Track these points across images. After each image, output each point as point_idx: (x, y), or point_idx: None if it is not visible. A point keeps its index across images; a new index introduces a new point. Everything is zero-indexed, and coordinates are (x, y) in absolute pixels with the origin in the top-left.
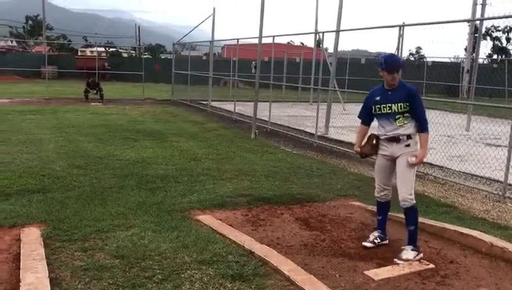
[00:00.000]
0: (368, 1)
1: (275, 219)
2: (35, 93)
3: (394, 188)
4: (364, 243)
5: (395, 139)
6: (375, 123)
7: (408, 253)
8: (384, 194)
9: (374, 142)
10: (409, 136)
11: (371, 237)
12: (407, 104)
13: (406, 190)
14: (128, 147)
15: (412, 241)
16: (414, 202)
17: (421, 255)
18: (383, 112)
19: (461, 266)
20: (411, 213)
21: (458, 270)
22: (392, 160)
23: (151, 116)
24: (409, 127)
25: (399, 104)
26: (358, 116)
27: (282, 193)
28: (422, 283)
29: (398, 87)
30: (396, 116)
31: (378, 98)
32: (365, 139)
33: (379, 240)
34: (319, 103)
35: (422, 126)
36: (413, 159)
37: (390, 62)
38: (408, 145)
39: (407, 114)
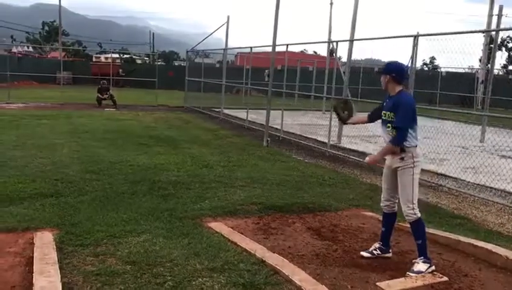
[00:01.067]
0: (382, 11)
1: (287, 227)
2: (50, 98)
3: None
4: (362, 253)
5: None
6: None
7: (420, 265)
8: (387, 205)
9: (344, 105)
10: (402, 150)
11: (371, 248)
12: (393, 114)
13: (406, 204)
14: (141, 153)
15: (423, 254)
16: (417, 215)
17: (433, 267)
18: (382, 118)
19: (475, 280)
20: (416, 227)
21: (472, 284)
22: (393, 171)
23: (164, 123)
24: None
25: (388, 113)
26: None
27: (294, 201)
28: None
29: (394, 96)
30: (387, 125)
31: (384, 103)
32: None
33: (379, 252)
34: (332, 112)
35: (395, 137)
36: (366, 158)
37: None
38: (402, 159)
39: None
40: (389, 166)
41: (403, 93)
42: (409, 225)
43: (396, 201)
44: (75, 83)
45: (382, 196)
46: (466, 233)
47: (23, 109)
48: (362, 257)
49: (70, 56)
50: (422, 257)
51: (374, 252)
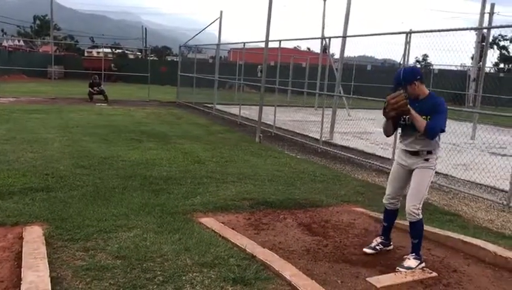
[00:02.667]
0: (375, 8)
1: (278, 223)
2: (41, 92)
3: (405, 197)
4: (366, 250)
5: (414, 153)
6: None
7: (410, 261)
8: (392, 202)
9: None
10: (429, 152)
11: (373, 243)
12: (430, 117)
13: (414, 203)
14: (132, 148)
15: (415, 250)
16: (420, 217)
17: (423, 264)
18: (407, 122)
19: (464, 275)
20: (416, 227)
21: (461, 279)
22: (409, 171)
23: (155, 118)
24: (429, 143)
25: (422, 118)
26: None
27: (286, 197)
28: None
29: (426, 98)
30: (416, 129)
31: None
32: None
33: (381, 247)
34: (324, 108)
35: (433, 126)
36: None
37: (394, 78)
38: (427, 160)
39: None
40: (407, 166)
41: (435, 95)
42: (401, 222)
43: (401, 199)
44: (67, 77)
45: (388, 194)
46: (456, 229)
47: (13, 103)
48: (365, 253)
49: (61, 50)
50: (413, 253)
51: (377, 247)
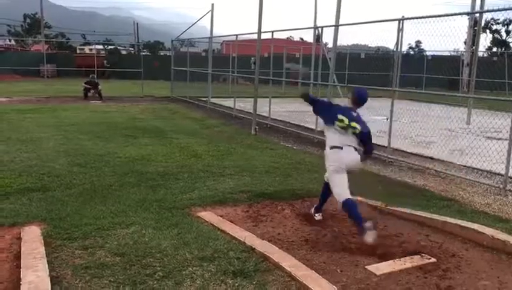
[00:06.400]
0: None
1: (276, 214)
2: (35, 91)
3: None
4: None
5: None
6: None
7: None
8: None
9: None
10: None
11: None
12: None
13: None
14: (128, 145)
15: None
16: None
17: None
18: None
19: (463, 260)
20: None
21: (460, 264)
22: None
23: (150, 114)
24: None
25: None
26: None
27: (283, 188)
28: (424, 277)
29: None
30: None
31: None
32: None
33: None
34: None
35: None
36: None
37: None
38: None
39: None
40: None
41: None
42: (401, 209)
43: None
44: (60, 75)
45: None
46: (453, 214)
47: (6, 104)
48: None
49: (53, 48)
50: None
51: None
